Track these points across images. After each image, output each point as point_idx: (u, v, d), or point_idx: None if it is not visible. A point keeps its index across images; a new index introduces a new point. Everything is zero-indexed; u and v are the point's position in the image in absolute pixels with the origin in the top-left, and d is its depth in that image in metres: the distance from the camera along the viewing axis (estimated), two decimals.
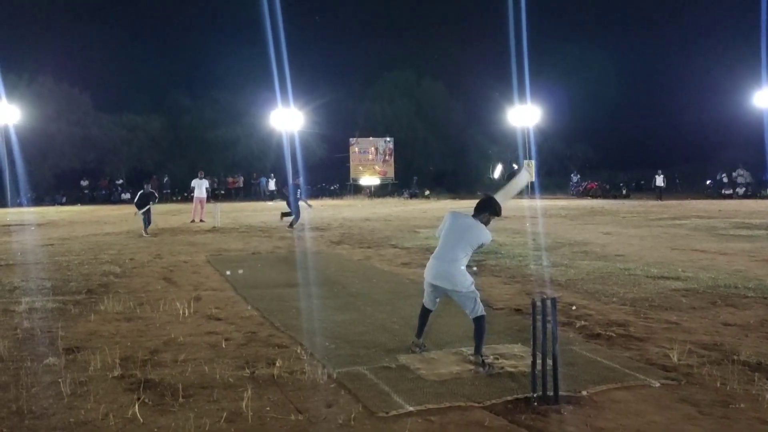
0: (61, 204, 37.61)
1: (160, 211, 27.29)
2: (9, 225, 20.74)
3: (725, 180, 36.45)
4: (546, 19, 52.85)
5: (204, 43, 71.00)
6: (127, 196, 40.01)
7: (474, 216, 5.24)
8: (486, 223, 5.27)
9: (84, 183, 43.13)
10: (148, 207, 16.63)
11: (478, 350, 4.98)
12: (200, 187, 21.86)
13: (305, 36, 60.07)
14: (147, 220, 16.70)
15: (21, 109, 36.90)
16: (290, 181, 23.13)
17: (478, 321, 4.98)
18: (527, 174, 5.49)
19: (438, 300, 5.31)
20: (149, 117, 46.91)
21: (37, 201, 37.36)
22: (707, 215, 20.52)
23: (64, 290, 8.43)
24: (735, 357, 5.07)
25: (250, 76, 46.51)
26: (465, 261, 5.08)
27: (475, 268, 9.16)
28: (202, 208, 21.63)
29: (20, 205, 34.52)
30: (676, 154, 45.36)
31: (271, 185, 38.65)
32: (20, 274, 9.93)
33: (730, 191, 34.45)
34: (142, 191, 17.08)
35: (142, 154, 46.16)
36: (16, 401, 4.24)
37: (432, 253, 5.32)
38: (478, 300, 5.03)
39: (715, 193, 35.41)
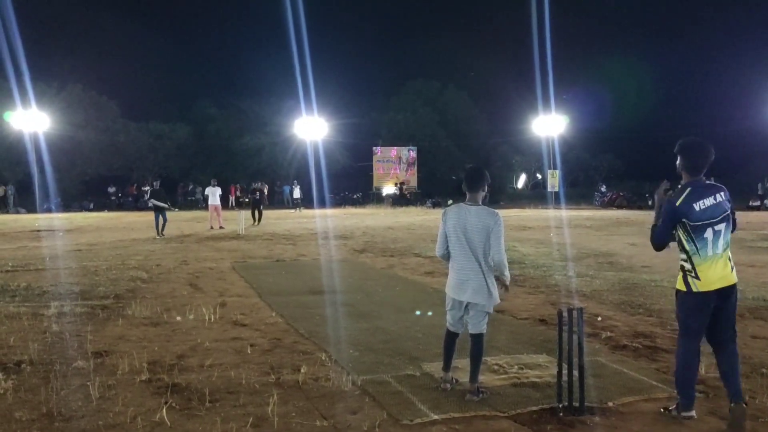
0: (89, 210, 38.15)
1: (185, 218, 27.61)
2: (38, 230, 21.09)
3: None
4: (572, 28, 52.66)
5: (230, 53, 72.02)
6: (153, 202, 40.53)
7: (472, 199, 4.56)
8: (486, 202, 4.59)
9: (111, 189, 43.75)
10: (163, 205, 17.87)
11: (475, 378, 4.51)
12: (214, 194, 22.13)
13: (330, 45, 60.63)
14: (163, 221, 17.89)
15: (50, 117, 37.57)
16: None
17: (481, 339, 4.54)
18: None
19: (464, 319, 4.65)
20: (175, 125, 47.54)
21: (65, 207, 37.94)
22: None
23: (92, 295, 8.56)
24: (764, 370, 5.01)
25: (275, 86, 47.07)
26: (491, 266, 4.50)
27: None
28: (218, 215, 21.86)
29: (49, 210, 35.08)
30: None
31: (296, 193, 38.88)
32: (49, 278, 10.09)
33: (758, 203, 33.87)
34: (152, 188, 18.73)
35: (168, 162, 46.78)
36: (46, 403, 4.32)
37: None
38: (488, 317, 4.62)
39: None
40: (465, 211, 4.52)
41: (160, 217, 17.94)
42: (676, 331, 6.38)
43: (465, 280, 4.49)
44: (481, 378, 4.69)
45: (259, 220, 23.57)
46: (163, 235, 17.84)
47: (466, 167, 4.76)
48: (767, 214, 28.50)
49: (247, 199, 26.50)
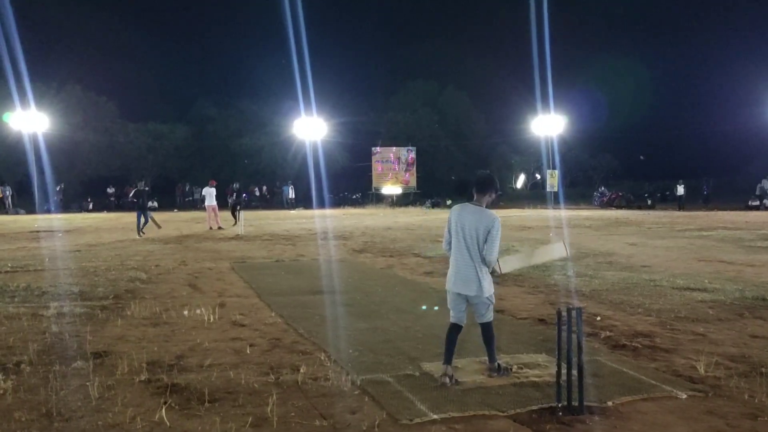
0: (88, 211, 38.11)
1: (183, 218, 27.61)
2: (37, 231, 21.09)
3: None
4: (571, 28, 52.69)
5: (229, 53, 72.06)
6: (154, 204, 40.59)
7: (477, 200, 4.81)
8: (489, 205, 4.86)
9: (110, 190, 43.72)
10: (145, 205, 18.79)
11: (492, 358, 4.87)
12: (210, 195, 22.13)
13: (329, 45, 60.67)
14: (145, 219, 18.65)
15: (49, 117, 37.55)
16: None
17: (488, 326, 4.84)
18: (562, 249, 5.25)
19: (465, 311, 4.86)
20: (174, 126, 47.54)
21: (65, 207, 37.92)
22: (734, 227, 20.23)
23: (92, 295, 8.55)
24: (763, 369, 5.00)
25: (275, 86, 47.13)
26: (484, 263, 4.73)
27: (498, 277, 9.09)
28: (216, 215, 21.87)
29: (48, 211, 35.06)
30: (704, 165, 44.93)
31: (291, 193, 38.82)
32: (49, 279, 10.08)
33: (757, 203, 33.85)
34: (136, 189, 19.38)
35: (166, 162, 46.79)
36: (45, 404, 4.31)
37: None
38: (492, 306, 4.87)
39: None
40: (467, 210, 4.80)
41: (142, 216, 18.74)
42: (676, 331, 6.41)
43: (458, 273, 4.78)
44: (480, 377, 4.74)
45: (236, 219, 23.23)
46: (143, 234, 18.50)
47: (477, 173, 5.06)
48: (766, 214, 28.50)
49: (230, 199, 27.28)
